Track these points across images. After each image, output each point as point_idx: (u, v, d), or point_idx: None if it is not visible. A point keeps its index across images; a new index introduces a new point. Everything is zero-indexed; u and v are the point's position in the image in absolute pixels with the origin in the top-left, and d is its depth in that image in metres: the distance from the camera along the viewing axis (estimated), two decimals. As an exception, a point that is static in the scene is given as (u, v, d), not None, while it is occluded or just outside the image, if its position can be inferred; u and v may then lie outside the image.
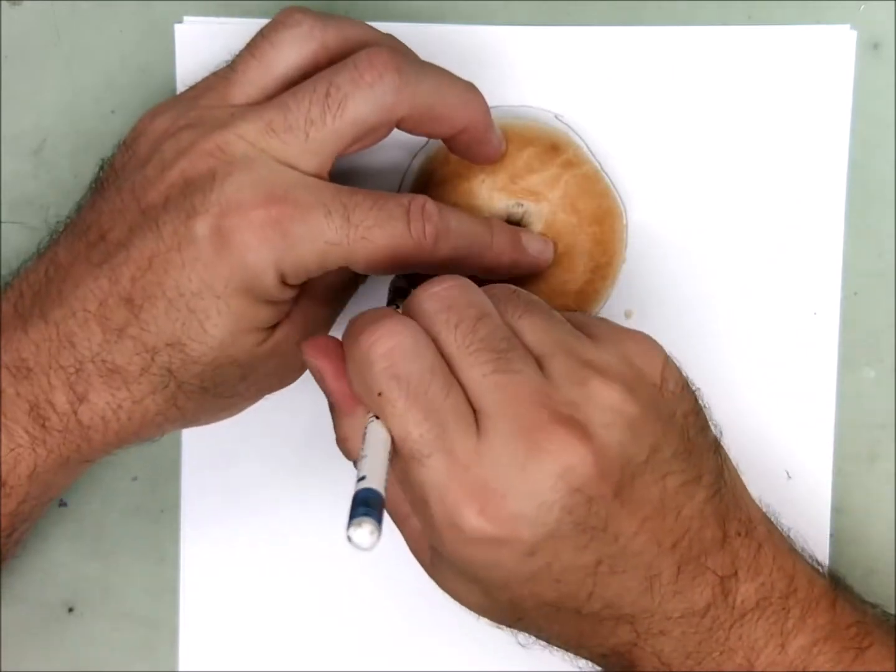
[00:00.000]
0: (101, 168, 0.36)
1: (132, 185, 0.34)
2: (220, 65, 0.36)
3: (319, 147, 0.33)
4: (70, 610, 0.42)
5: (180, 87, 0.40)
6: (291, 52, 0.34)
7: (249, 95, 0.34)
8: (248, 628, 0.42)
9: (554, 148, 0.39)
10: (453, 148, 0.37)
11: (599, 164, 0.40)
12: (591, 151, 0.40)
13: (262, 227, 0.32)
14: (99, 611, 0.42)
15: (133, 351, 0.33)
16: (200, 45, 0.40)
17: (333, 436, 0.33)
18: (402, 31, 0.38)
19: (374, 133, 0.34)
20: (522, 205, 0.38)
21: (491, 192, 0.38)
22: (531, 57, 0.41)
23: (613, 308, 0.41)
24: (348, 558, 0.42)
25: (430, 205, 0.34)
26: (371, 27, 0.36)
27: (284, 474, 0.42)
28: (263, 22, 0.40)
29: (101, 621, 0.42)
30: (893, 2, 0.41)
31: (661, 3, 0.41)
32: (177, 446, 0.42)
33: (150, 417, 0.34)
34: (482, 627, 0.42)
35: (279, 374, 0.36)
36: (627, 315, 0.41)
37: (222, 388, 0.34)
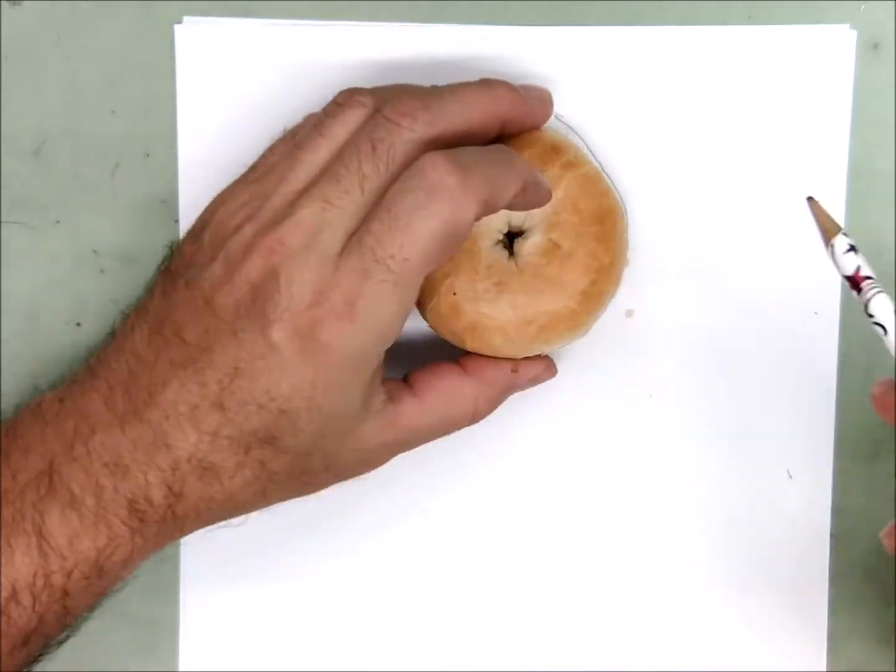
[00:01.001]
0: (171, 252, 0.36)
1: (201, 283, 0.34)
2: (279, 132, 0.37)
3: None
4: (70, 610, 0.42)
5: (180, 87, 0.41)
6: None
7: (312, 175, 0.35)
8: (248, 628, 0.42)
9: (555, 149, 0.39)
10: (507, 133, 0.38)
11: (600, 164, 0.40)
12: (591, 152, 0.40)
13: (336, 318, 0.33)
14: (99, 611, 0.42)
15: (228, 450, 0.34)
16: (200, 45, 0.40)
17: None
18: (403, 31, 0.39)
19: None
20: None
21: None
22: (531, 57, 0.41)
23: (614, 307, 0.41)
24: (348, 557, 0.42)
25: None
26: (430, 89, 0.37)
27: (284, 474, 0.42)
28: (263, 22, 0.40)
29: (101, 621, 0.42)
30: (893, 2, 0.41)
31: (661, 3, 0.41)
32: (177, 446, 0.42)
33: (240, 507, 0.35)
34: (482, 628, 0.42)
35: (360, 465, 0.37)
36: (629, 315, 0.41)
37: (307, 477, 0.35)
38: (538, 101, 0.39)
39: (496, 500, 0.42)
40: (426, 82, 0.38)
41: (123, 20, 0.41)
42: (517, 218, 0.38)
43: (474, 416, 0.38)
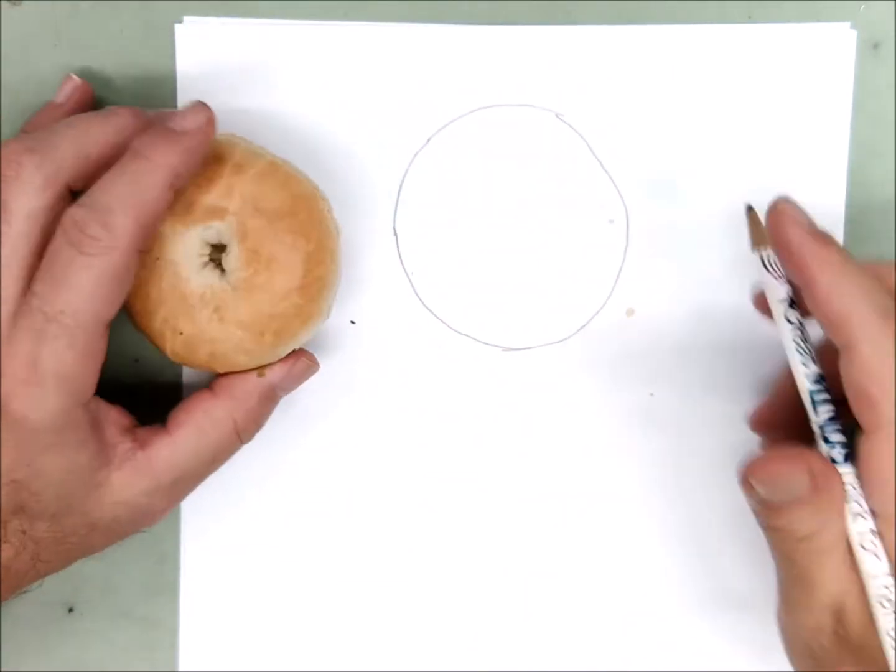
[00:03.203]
0: None
1: None
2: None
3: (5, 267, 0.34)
4: (70, 610, 0.42)
5: (180, 87, 0.41)
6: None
7: None
8: (248, 628, 0.42)
9: (217, 158, 0.37)
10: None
11: (600, 163, 0.40)
12: (591, 151, 0.40)
13: (21, 385, 0.33)
14: (99, 611, 0.42)
15: None
16: (200, 45, 0.40)
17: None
18: (403, 31, 0.38)
19: (53, 215, 0.34)
20: (211, 227, 0.37)
21: (174, 228, 0.37)
22: (531, 57, 0.41)
23: (614, 306, 0.41)
24: (348, 558, 0.42)
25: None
26: (47, 129, 0.36)
27: (284, 475, 0.42)
28: (263, 22, 0.41)
29: (101, 621, 0.42)
30: (893, 2, 0.41)
31: (661, 3, 0.41)
32: (177, 446, 0.42)
33: (22, 575, 0.36)
34: (482, 629, 0.42)
35: (132, 515, 0.37)
36: (629, 314, 0.41)
37: (75, 538, 0.36)
38: (180, 116, 0.36)
39: (496, 499, 0.42)
40: (426, 82, 0.38)
41: (123, 20, 0.41)
42: (211, 234, 0.37)
43: (240, 434, 0.38)
